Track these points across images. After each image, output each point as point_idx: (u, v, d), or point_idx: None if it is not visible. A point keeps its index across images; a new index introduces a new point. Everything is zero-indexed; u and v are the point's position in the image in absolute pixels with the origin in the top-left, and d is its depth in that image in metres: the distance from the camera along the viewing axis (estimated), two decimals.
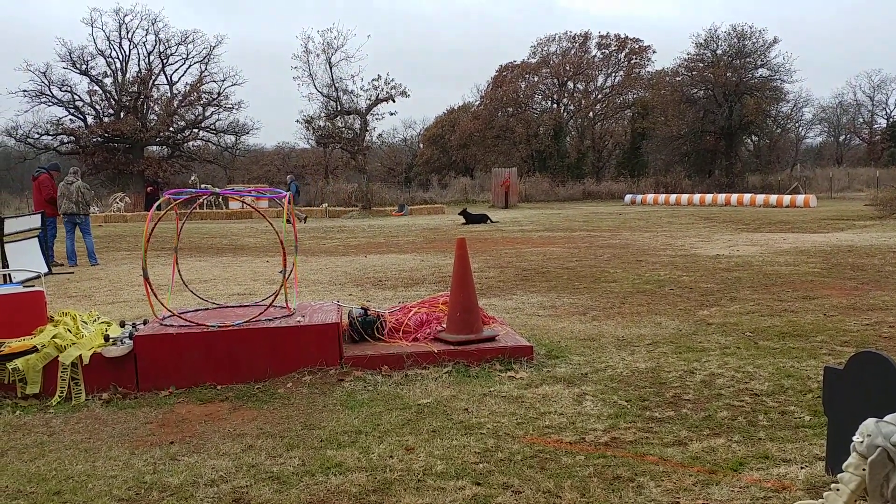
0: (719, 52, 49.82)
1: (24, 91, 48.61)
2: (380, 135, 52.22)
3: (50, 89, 49.34)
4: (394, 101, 36.43)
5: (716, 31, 49.76)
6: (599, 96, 55.08)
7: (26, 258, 12.76)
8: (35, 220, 13.77)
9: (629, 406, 4.83)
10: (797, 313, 7.86)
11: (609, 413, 4.70)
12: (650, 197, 38.93)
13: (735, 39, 49.14)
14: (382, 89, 36.14)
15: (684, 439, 4.23)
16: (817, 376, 5.27)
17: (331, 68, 36.89)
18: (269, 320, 5.89)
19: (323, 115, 38.38)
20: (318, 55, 36.97)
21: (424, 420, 4.64)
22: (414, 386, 5.34)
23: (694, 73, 50.77)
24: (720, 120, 49.06)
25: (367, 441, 4.32)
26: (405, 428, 4.52)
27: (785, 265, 11.87)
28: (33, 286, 6.64)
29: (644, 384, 5.32)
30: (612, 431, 4.38)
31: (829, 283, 9.90)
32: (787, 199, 32.91)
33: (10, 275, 11.41)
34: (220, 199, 33.16)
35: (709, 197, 36.60)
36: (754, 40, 48.96)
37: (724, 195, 36.43)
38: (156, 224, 6.15)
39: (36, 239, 13.55)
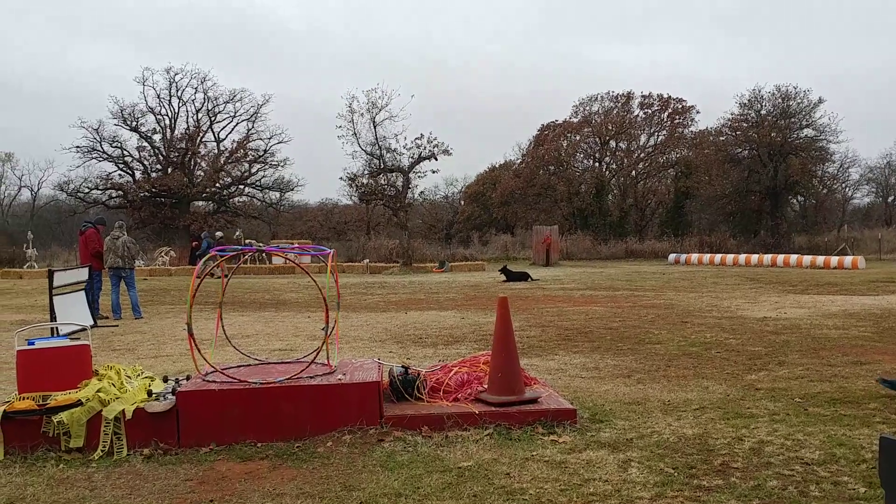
0: (763, 112, 49.71)
1: (77, 147, 50.22)
2: (422, 192, 52.74)
3: (101, 145, 50.90)
4: (436, 160, 36.76)
5: (760, 91, 49.77)
6: (642, 155, 55.13)
7: (73, 310, 12.97)
8: (82, 274, 14.02)
9: (676, 474, 4.70)
10: (848, 379, 7.64)
11: (655, 481, 4.57)
12: (694, 256, 38.54)
13: (779, 100, 49.04)
14: (425, 147, 36.54)
15: None
16: (871, 445, 5.09)
17: (375, 127, 37.45)
18: (311, 377, 5.88)
19: (366, 172, 38.87)
20: (362, 114, 37.58)
21: (465, 484, 4.55)
22: (454, 448, 5.26)
23: (738, 132, 50.64)
24: (765, 180, 48.69)
25: None
26: (446, 492, 4.43)
27: (834, 328, 11.60)
28: (79, 339, 6.73)
29: (691, 451, 5.18)
30: (658, 500, 4.25)
31: (880, 348, 9.64)
32: (834, 260, 32.35)
33: (57, 328, 11.58)
34: (264, 255, 33.55)
35: (754, 257, 36.12)
36: (799, 100, 48.85)
37: (769, 256, 35.94)
38: (202, 280, 6.21)
39: (83, 292, 13.78)
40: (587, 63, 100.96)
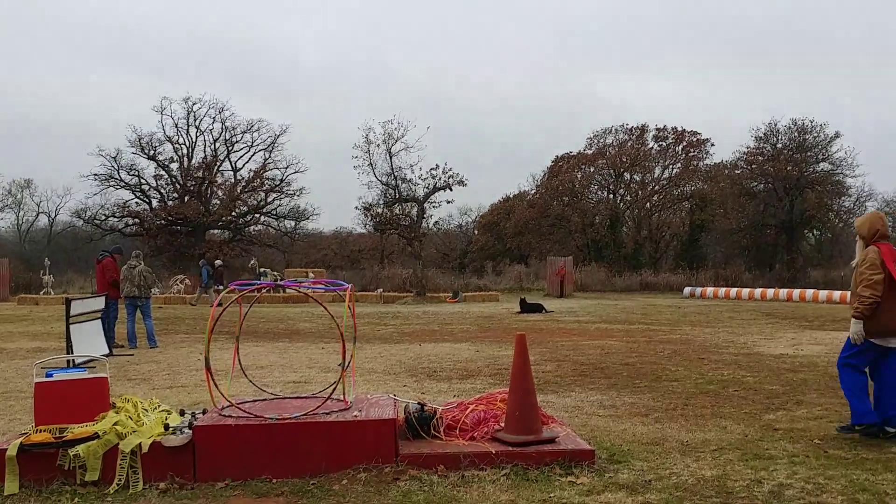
0: (779, 145, 49.64)
1: (95, 175, 50.66)
2: (436, 222, 52.82)
3: (119, 173, 51.36)
4: (451, 190, 36.83)
5: (776, 124, 49.72)
6: (657, 188, 55.06)
7: (89, 339, 13.02)
8: (99, 303, 14.08)
9: None
10: None
11: None
12: (710, 290, 38.31)
13: (795, 133, 49.01)
14: (440, 178, 36.62)
15: None
16: (895, 492, 5.02)
17: (391, 158, 37.61)
18: (327, 413, 5.86)
19: (381, 202, 38.99)
20: (378, 145, 37.78)
21: None
22: (471, 488, 5.21)
23: (753, 166, 50.56)
24: (781, 214, 48.52)
25: None
26: None
27: None
28: (96, 369, 6.75)
29: (710, 493, 5.11)
30: None
31: None
32: (850, 295, 32.04)
33: (73, 358, 11.63)
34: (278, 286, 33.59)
35: (770, 292, 35.87)
36: (815, 134, 48.77)
37: (785, 290, 35.68)
38: (220, 315, 6.22)
39: (99, 320, 13.84)
40: (599, 97, 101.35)
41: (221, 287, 31.07)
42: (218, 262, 33.73)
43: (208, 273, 31.23)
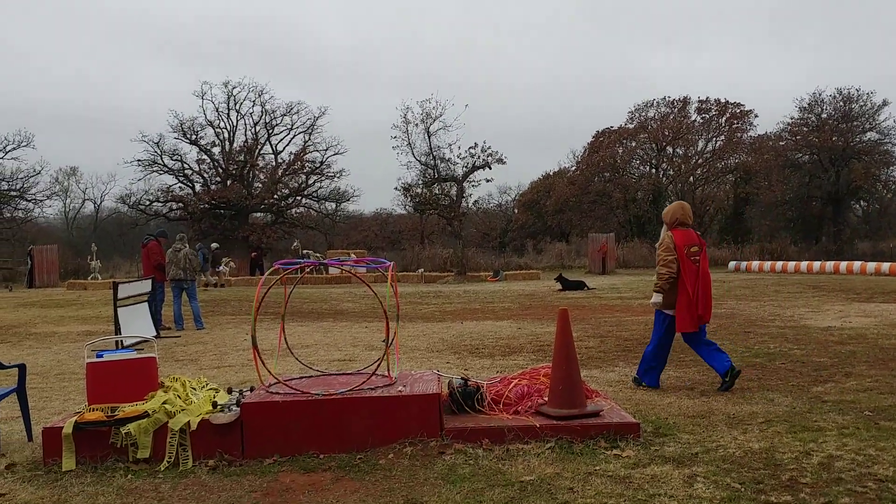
0: (824, 115, 48.61)
1: (139, 161, 51.39)
2: (476, 201, 52.71)
3: (162, 158, 52.02)
4: (490, 168, 36.75)
5: (820, 94, 48.68)
6: (700, 161, 54.29)
7: (137, 322, 13.27)
8: (145, 286, 14.32)
9: (743, 489, 4.60)
10: None
11: (722, 496, 4.48)
12: (755, 264, 37.76)
13: (841, 103, 47.92)
14: (479, 157, 36.56)
15: None
16: None
17: (429, 137, 37.62)
18: (372, 389, 5.91)
19: (421, 182, 39.04)
20: (416, 125, 37.79)
21: (528, 498, 4.52)
22: (516, 462, 5.23)
23: (798, 137, 49.59)
24: (826, 185, 47.59)
25: None
26: None
27: None
28: (143, 350, 6.88)
29: (758, 465, 5.07)
30: None
31: None
32: None
33: (122, 340, 11.86)
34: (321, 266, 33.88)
35: (816, 264, 35.24)
36: (861, 103, 47.64)
37: (832, 263, 34.99)
38: (266, 293, 6.29)
39: (146, 303, 14.08)
40: (639, 70, 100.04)
41: (220, 269, 32.18)
42: (214, 244, 34.18)
43: (204, 257, 31.73)
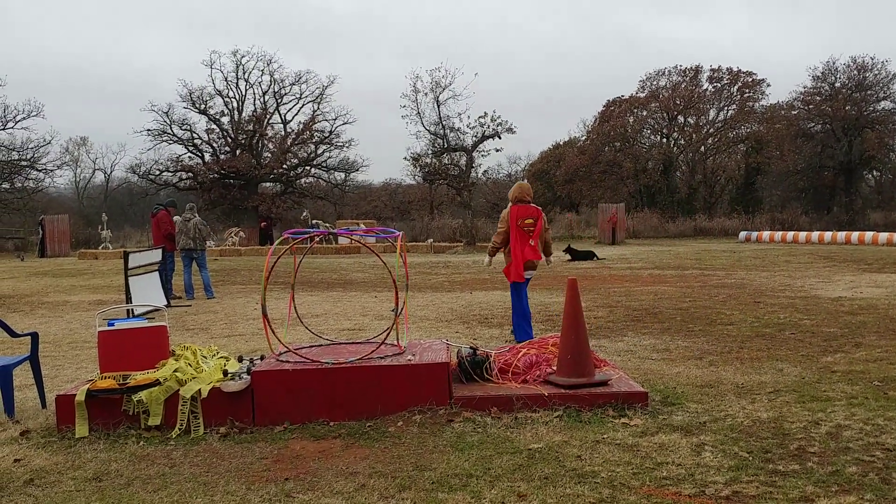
0: (838, 84, 48.12)
1: (148, 130, 51.27)
2: (485, 171, 52.51)
3: (171, 128, 51.86)
4: (500, 138, 36.53)
5: (834, 63, 48.15)
6: (711, 130, 53.89)
7: (147, 291, 13.33)
8: (156, 255, 14.37)
9: (751, 458, 4.62)
10: None
11: (730, 465, 4.50)
12: (766, 234, 37.60)
13: (855, 72, 47.45)
14: (489, 126, 36.32)
15: (811, 495, 4.00)
16: None
17: (438, 107, 37.39)
18: (381, 358, 5.94)
19: (430, 152, 38.88)
20: (426, 94, 37.57)
21: (536, 466, 4.55)
22: (524, 429, 5.26)
23: (811, 106, 49.18)
24: (839, 155, 47.25)
25: (479, 485, 4.26)
26: (517, 473, 4.44)
27: None
28: (153, 318, 6.92)
29: (766, 435, 5.08)
30: (733, 484, 4.19)
31: None
32: None
33: (132, 309, 11.94)
34: (331, 235, 33.94)
35: (828, 235, 35.09)
36: (875, 72, 47.11)
37: (843, 233, 34.84)
38: (275, 262, 6.31)
39: (157, 273, 14.14)
40: (649, 38, 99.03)
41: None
42: (177, 217, 34.26)
43: None
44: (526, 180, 9.42)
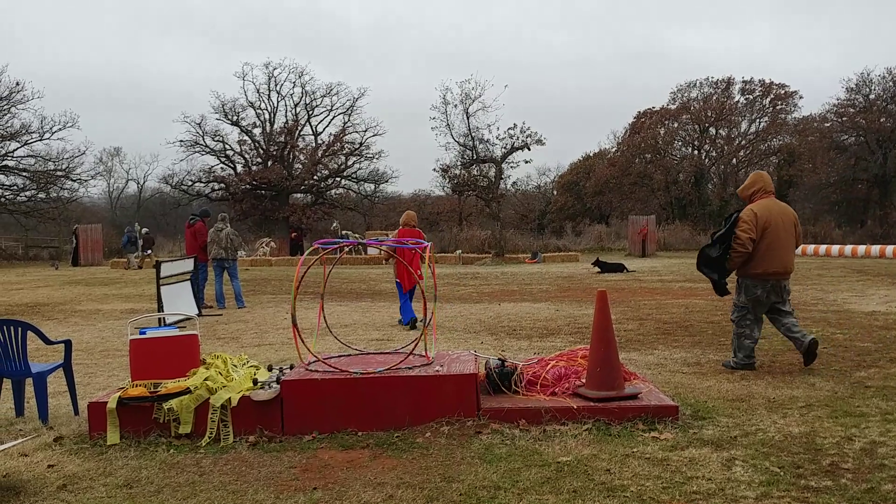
0: (872, 96, 47.50)
1: (181, 141, 51.99)
2: (514, 182, 52.54)
3: (203, 139, 52.56)
4: (529, 149, 36.50)
5: (868, 74, 47.54)
6: (743, 142, 53.45)
7: (179, 300, 13.46)
8: (188, 265, 14.52)
9: (782, 473, 4.55)
10: None
11: (761, 480, 4.44)
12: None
13: (890, 83, 46.78)
14: (518, 137, 36.33)
15: None
16: None
17: (468, 118, 37.45)
18: (410, 368, 5.95)
19: (459, 163, 38.95)
20: (455, 105, 37.66)
21: (565, 479, 4.53)
22: (553, 442, 5.23)
23: (844, 118, 48.58)
24: (873, 167, 46.59)
25: (507, 498, 4.25)
26: (545, 486, 4.42)
27: None
28: (185, 327, 6.98)
29: (798, 450, 5.01)
30: (764, 500, 4.13)
31: None
32: None
33: (164, 317, 12.05)
34: (360, 246, 34.09)
35: (861, 248, 34.56)
36: None
37: (877, 247, 34.27)
38: (305, 272, 6.35)
39: (188, 282, 14.28)
40: (680, 50, 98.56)
41: (150, 252, 33.68)
42: (144, 229, 35.02)
43: (130, 239, 32.48)
44: (410, 213, 12.33)
